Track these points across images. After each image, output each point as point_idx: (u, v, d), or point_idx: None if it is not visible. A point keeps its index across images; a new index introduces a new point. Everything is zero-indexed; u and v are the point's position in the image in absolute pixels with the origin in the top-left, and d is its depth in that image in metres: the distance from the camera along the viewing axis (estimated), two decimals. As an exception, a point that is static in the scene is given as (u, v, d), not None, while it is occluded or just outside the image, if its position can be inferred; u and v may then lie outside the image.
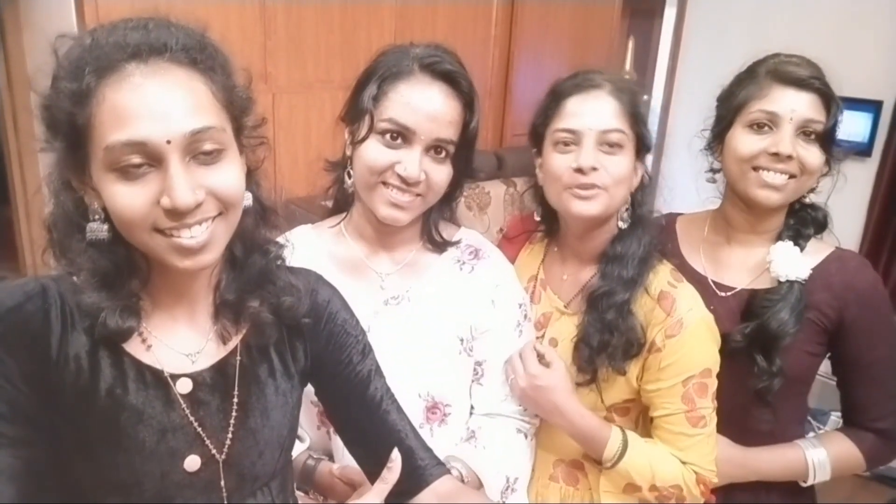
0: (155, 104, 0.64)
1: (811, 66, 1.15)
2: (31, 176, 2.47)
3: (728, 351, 1.15)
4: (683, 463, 1.11)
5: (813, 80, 1.12)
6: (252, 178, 0.80)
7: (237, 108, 0.73)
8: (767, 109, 1.13)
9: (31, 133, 2.31)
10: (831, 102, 1.13)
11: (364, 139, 1.03)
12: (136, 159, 0.65)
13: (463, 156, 1.07)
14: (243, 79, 0.75)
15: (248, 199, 0.76)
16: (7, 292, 0.70)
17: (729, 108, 1.19)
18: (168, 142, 0.65)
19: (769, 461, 1.21)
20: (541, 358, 1.15)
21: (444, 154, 1.04)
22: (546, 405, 1.13)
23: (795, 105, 1.12)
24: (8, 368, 0.67)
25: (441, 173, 1.04)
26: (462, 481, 1.06)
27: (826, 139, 1.14)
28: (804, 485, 1.23)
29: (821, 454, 1.19)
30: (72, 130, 0.66)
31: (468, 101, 1.05)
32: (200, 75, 0.68)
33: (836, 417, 2.37)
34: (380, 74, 1.03)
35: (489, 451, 1.11)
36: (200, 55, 0.68)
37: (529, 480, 1.24)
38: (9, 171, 2.58)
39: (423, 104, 1.00)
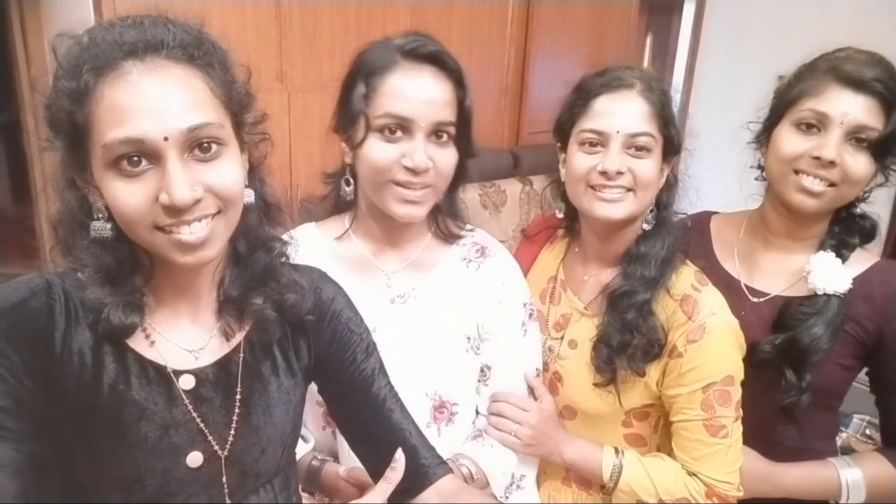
0: (152, 101, 0.65)
1: (879, 67, 1.05)
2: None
3: (755, 362, 1.11)
4: (692, 474, 1.08)
5: (875, 83, 1.03)
6: (255, 174, 0.80)
7: (236, 104, 0.73)
8: (818, 109, 1.06)
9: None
10: (893, 109, 1.04)
11: (363, 140, 1.01)
12: (135, 157, 0.65)
13: (463, 135, 1.05)
14: (243, 75, 0.75)
15: (250, 196, 0.76)
16: (12, 288, 0.71)
17: (781, 102, 1.13)
18: (165, 139, 0.65)
19: (799, 479, 1.15)
20: (532, 391, 1.17)
21: (445, 137, 1.02)
22: (546, 442, 1.14)
23: (849, 108, 1.04)
24: (12, 363, 0.67)
25: (447, 157, 1.03)
26: (472, 478, 1.07)
27: (879, 148, 1.05)
28: None
29: (855, 474, 1.12)
30: (72, 129, 0.66)
31: (457, 78, 1.02)
32: (198, 71, 0.68)
33: (858, 420, 2.31)
34: (364, 73, 1.01)
35: (496, 449, 1.12)
36: (198, 51, 0.68)
37: (543, 482, 1.25)
38: (30, 172, 2.62)
39: (415, 91, 0.99)
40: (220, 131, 0.69)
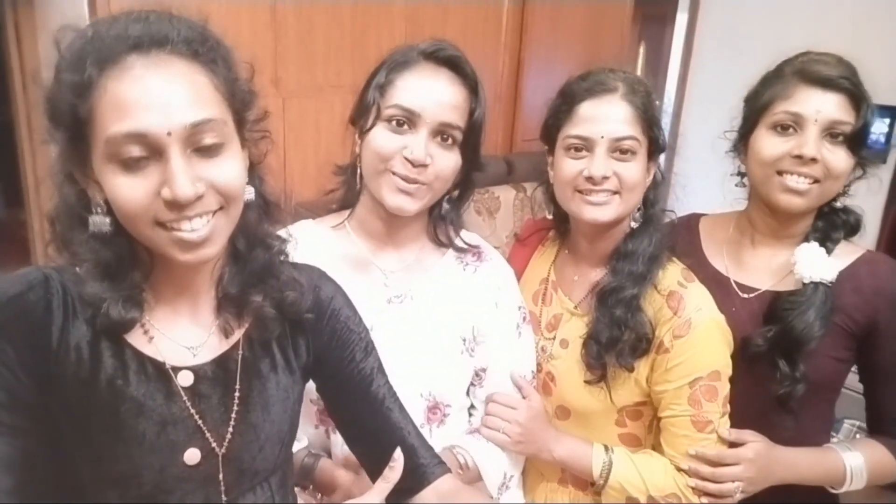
0: (156, 96, 0.64)
1: (841, 65, 1.10)
2: (45, 178, 2.49)
3: (749, 356, 1.13)
4: (681, 469, 1.09)
5: (841, 80, 1.08)
6: (255, 172, 0.80)
7: (239, 101, 0.73)
8: (791, 110, 1.10)
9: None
10: (861, 103, 1.08)
11: (371, 127, 1.04)
12: (137, 151, 0.65)
13: (470, 144, 1.07)
14: (245, 72, 0.75)
15: (250, 194, 0.76)
16: (9, 281, 0.70)
17: (753, 109, 1.16)
18: (168, 133, 0.65)
19: (812, 463, 1.15)
20: (519, 390, 1.17)
21: (450, 140, 1.04)
22: (535, 439, 1.14)
23: (821, 106, 1.08)
24: (8, 357, 0.67)
25: (447, 160, 1.05)
26: (467, 467, 1.08)
27: (855, 141, 1.09)
28: (834, 491, 1.17)
29: (857, 459, 1.13)
30: (74, 122, 0.66)
31: (472, 86, 1.06)
32: (202, 67, 0.68)
33: (848, 425, 2.32)
34: (386, 67, 1.05)
35: (491, 447, 1.13)
36: (202, 47, 0.68)
37: (539, 483, 1.26)
38: (23, 174, 2.60)
39: (427, 89, 1.02)
40: (222, 128, 0.69)
